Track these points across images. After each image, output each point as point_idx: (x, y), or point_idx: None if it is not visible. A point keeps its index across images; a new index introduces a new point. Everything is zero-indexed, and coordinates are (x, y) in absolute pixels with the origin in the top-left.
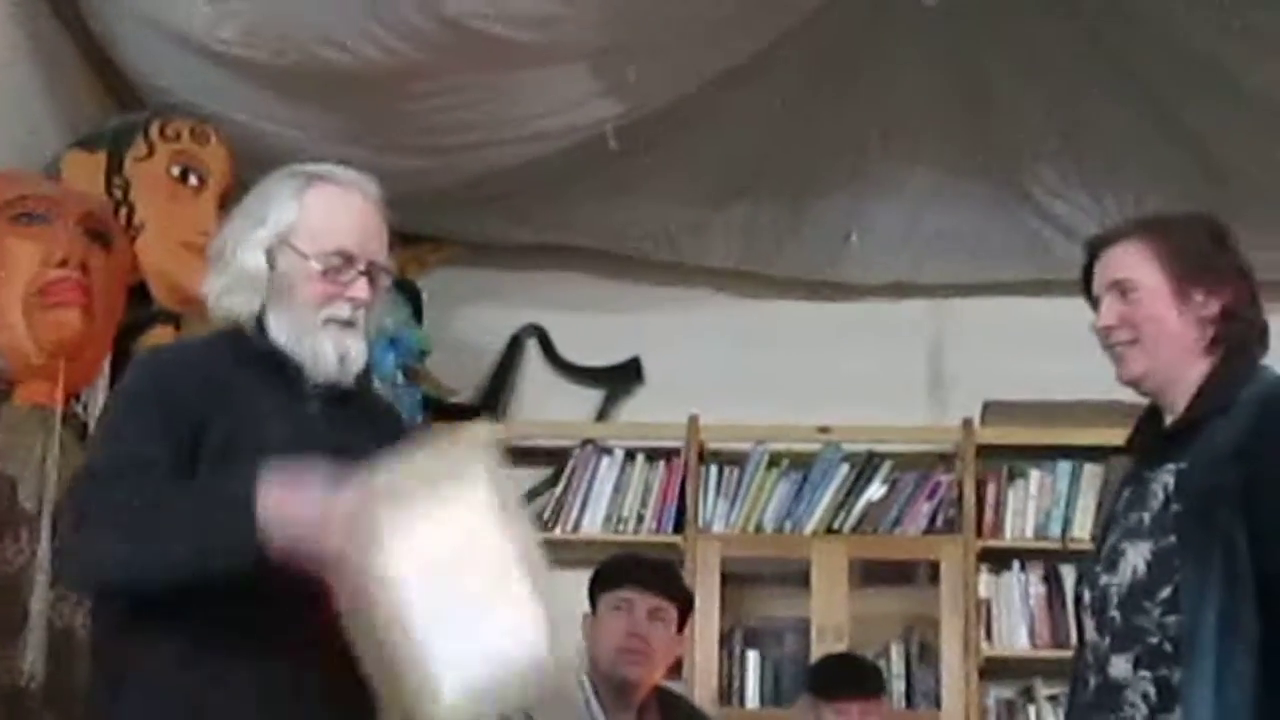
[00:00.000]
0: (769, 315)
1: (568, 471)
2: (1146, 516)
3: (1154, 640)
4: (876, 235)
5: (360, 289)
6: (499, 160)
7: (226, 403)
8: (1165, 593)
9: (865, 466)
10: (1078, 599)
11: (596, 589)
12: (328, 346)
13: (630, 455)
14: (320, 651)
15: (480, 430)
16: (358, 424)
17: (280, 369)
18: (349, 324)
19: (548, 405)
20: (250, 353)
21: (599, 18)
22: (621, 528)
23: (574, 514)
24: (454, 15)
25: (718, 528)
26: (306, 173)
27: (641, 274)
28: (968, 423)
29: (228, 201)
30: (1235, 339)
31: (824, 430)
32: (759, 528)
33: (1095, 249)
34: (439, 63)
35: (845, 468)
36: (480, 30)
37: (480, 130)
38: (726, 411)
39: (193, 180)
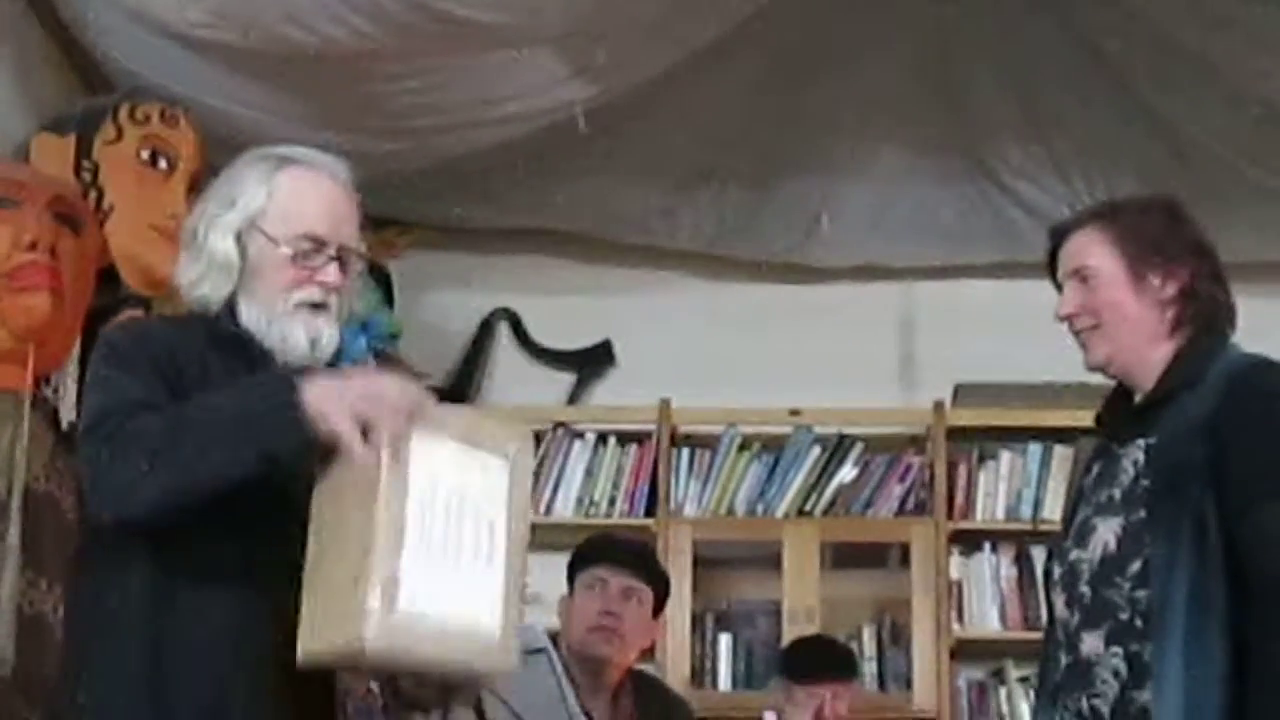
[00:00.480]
0: (740, 298)
1: (540, 455)
2: (1117, 492)
3: (1124, 616)
4: (846, 218)
5: (330, 274)
6: (468, 143)
7: (200, 382)
8: (1135, 567)
9: (836, 449)
10: (1047, 574)
11: (573, 569)
12: (298, 331)
13: (602, 438)
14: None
15: (525, 430)
16: None
17: (249, 353)
18: (320, 307)
19: (519, 389)
20: (221, 336)
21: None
22: (593, 511)
23: (546, 497)
24: None
25: (689, 511)
26: (276, 155)
27: (612, 257)
28: (938, 405)
29: (197, 185)
30: (1199, 318)
31: (795, 413)
32: (730, 510)
33: (1057, 237)
34: (407, 45)
35: (816, 450)
36: (448, 12)
37: (449, 113)
38: (697, 394)
39: (162, 164)
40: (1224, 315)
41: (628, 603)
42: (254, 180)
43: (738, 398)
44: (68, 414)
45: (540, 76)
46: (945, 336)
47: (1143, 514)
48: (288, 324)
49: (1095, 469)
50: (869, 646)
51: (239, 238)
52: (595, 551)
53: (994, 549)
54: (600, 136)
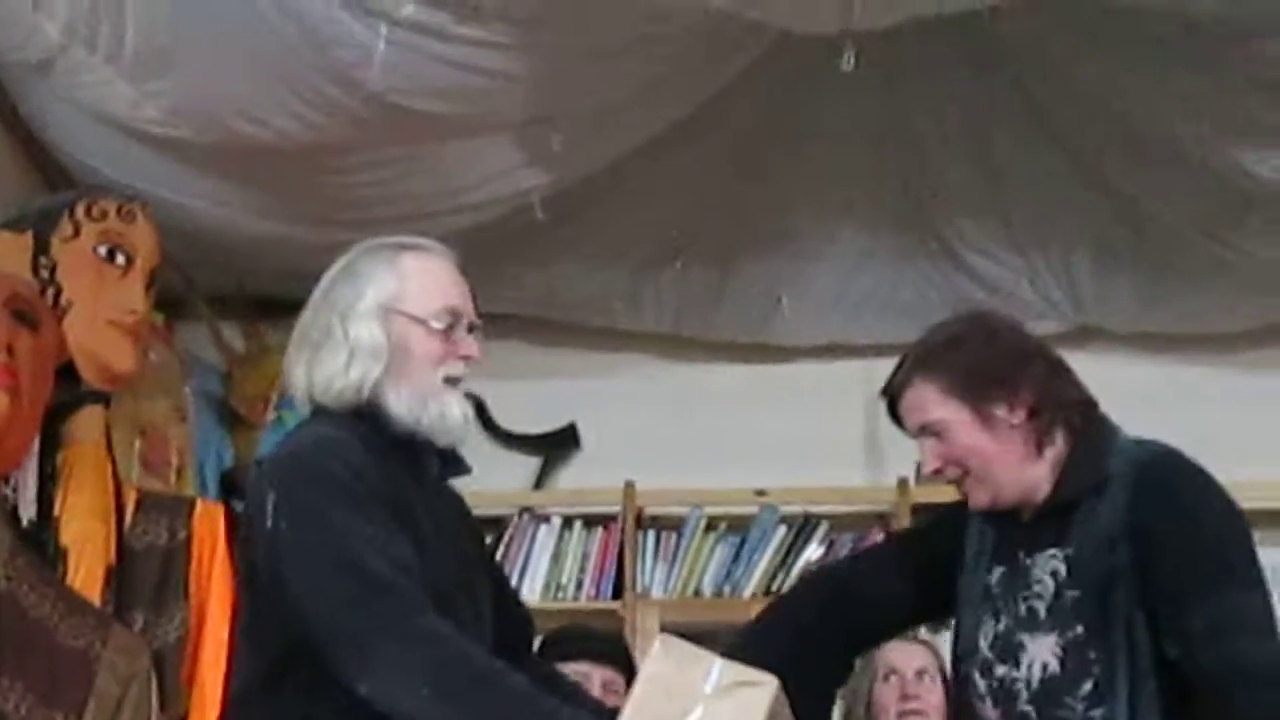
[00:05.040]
0: (703, 379)
1: (505, 540)
2: (1040, 606)
3: None
4: (807, 297)
5: (472, 346)
6: (428, 231)
7: (389, 498)
8: (1087, 687)
9: (802, 528)
10: (961, 677)
11: (548, 660)
12: (454, 406)
13: (568, 522)
14: None
15: (770, 685)
16: (456, 508)
17: (404, 451)
18: (459, 381)
19: (485, 474)
20: (377, 439)
21: (522, 90)
22: (560, 595)
23: (513, 583)
24: (376, 90)
25: (656, 593)
26: (389, 244)
27: (575, 340)
28: (903, 482)
29: (154, 280)
30: (1059, 424)
31: (760, 493)
32: (698, 592)
33: (890, 396)
34: (362, 137)
35: (783, 529)
36: (402, 105)
37: (407, 202)
38: (662, 476)
39: (120, 259)
40: (1080, 408)
41: (608, 696)
42: (380, 269)
43: (702, 478)
44: (26, 511)
45: (498, 164)
46: None
47: (1080, 630)
48: (444, 400)
49: (996, 574)
50: None
51: (382, 324)
52: (574, 645)
53: None
54: (561, 221)
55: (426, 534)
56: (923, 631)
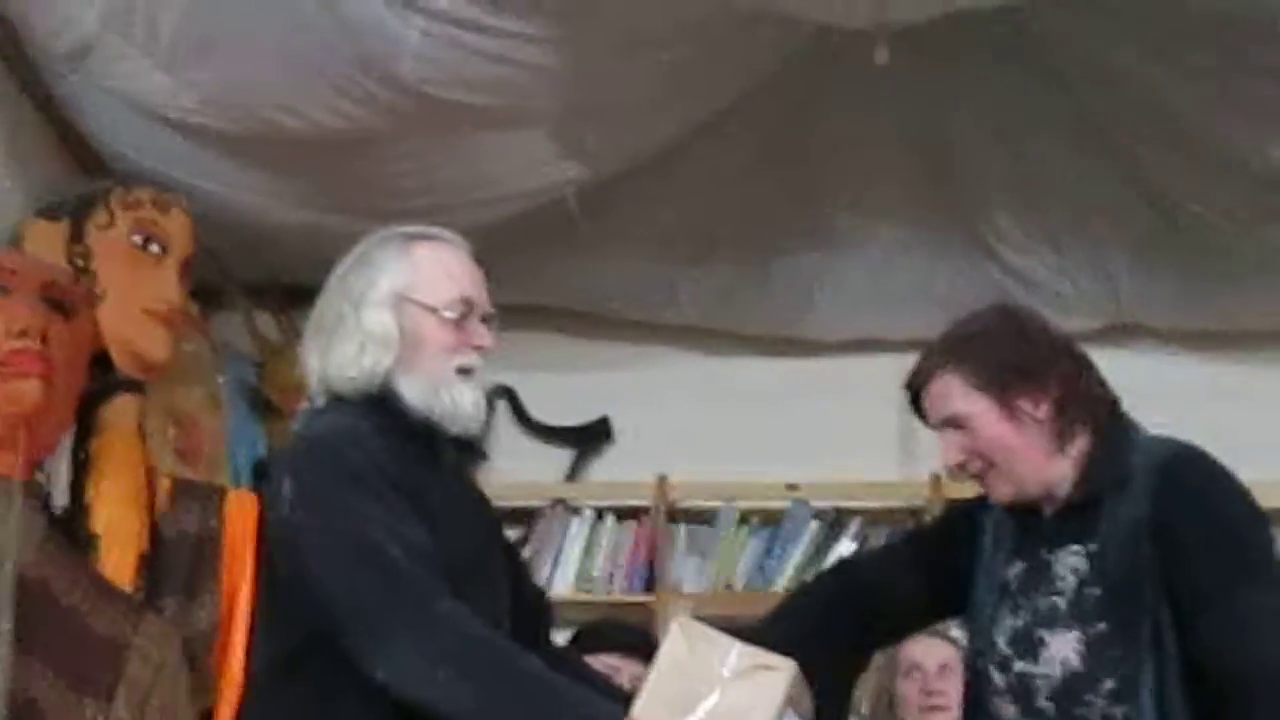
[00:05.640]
0: (737, 373)
1: (538, 532)
2: (1061, 602)
3: None
4: (842, 291)
5: (485, 336)
6: (463, 222)
7: (402, 482)
8: (1109, 684)
9: (835, 523)
10: (977, 672)
11: (579, 652)
12: (467, 396)
13: (600, 515)
14: None
15: (788, 669)
16: (473, 495)
17: (419, 438)
18: (472, 372)
19: (518, 465)
20: (391, 426)
21: (556, 83)
22: (592, 588)
23: (544, 574)
24: (412, 82)
25: (688, 586)
26: (403, 234)
27: (609, 333)
28: (936, 477)
29: (190, 269)
30: (1083, 421)
31: (793, 487)
32: (729, 585)
33: (914, 388)
34: (398, 128)
35: (815, 524)
36: (438, 96)
37: (443, 193)
38: (695, 469)
39: (154, 248)
40: (1105, 408)
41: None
42: (393, 258)
43: (735, 472)
44: (60, 499)
45: (533, 157)
46: None
47: (1103, 627)
48: (456, 390)
49: (1016, 569)
50: None
51: (395, 313)
52: (606, 639)
53: None
54: (596, 214)
55: (442, 520)
56: (953, 629)
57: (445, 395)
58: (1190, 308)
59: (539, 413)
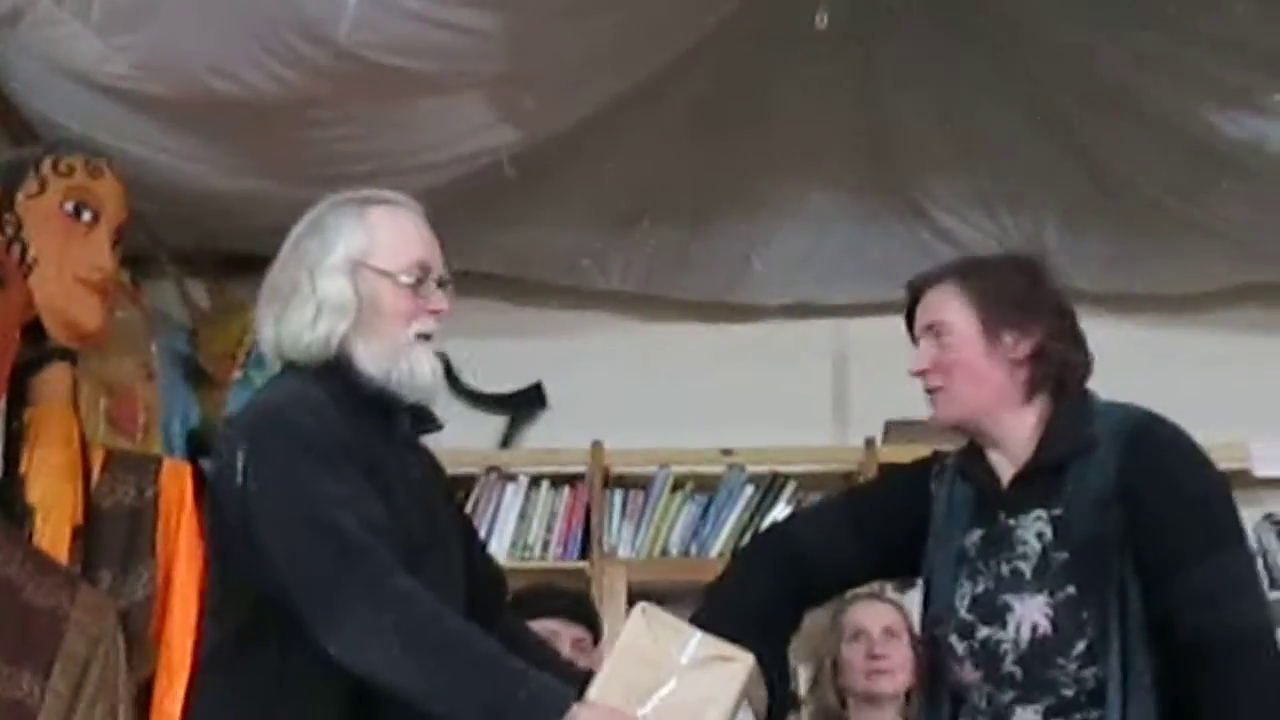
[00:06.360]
0: (671, 338)
1: (473, 500)
2: (1025, 566)
3: (1068, 692)
4: (776, 256)
5: (441, 301)
6: (396, 188)
7: (357, 455)
8: (1080, 647)
9: (770, 488)
10: (934, 640)
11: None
12: (424, 363)
13: (535, 481)
14: None
15: (746, 662)
16: (427, 465)
17: (374, 407)
18: (429, 338)
19: (451, 432)
20: (345, 394)
21: (494, 47)
22: (528, 554)
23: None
24: (347, 46)
25: (624, 552)
26: (358, 199)
27: (542, 299)
28: (870, 442)
29: (122, 237)
30: (1049, 380)
31: (727, 453)
32: (665, 551)
33: (915, 292)
34: (333, 93)
35: (750, 489)
36: (374, 60)
37: (378, 159)
38: (630, 436)
39: (86, 216)
40: (1075, 378)
41: (579, 654)
42: (348, 223)
43: (670, 438)
44: None
45: (468, 122)
46: (876, 373)
47: (1071, 590)
48: (414, 356)
49: (974, 536)
50: (804, 687)
51: (351, 279)
52: (544, 604)
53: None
54: (529, 180)
55: (397, 491)
56: (889, 590)
57: (404, 362)
58: (1120, 271)
59: (472, 379)
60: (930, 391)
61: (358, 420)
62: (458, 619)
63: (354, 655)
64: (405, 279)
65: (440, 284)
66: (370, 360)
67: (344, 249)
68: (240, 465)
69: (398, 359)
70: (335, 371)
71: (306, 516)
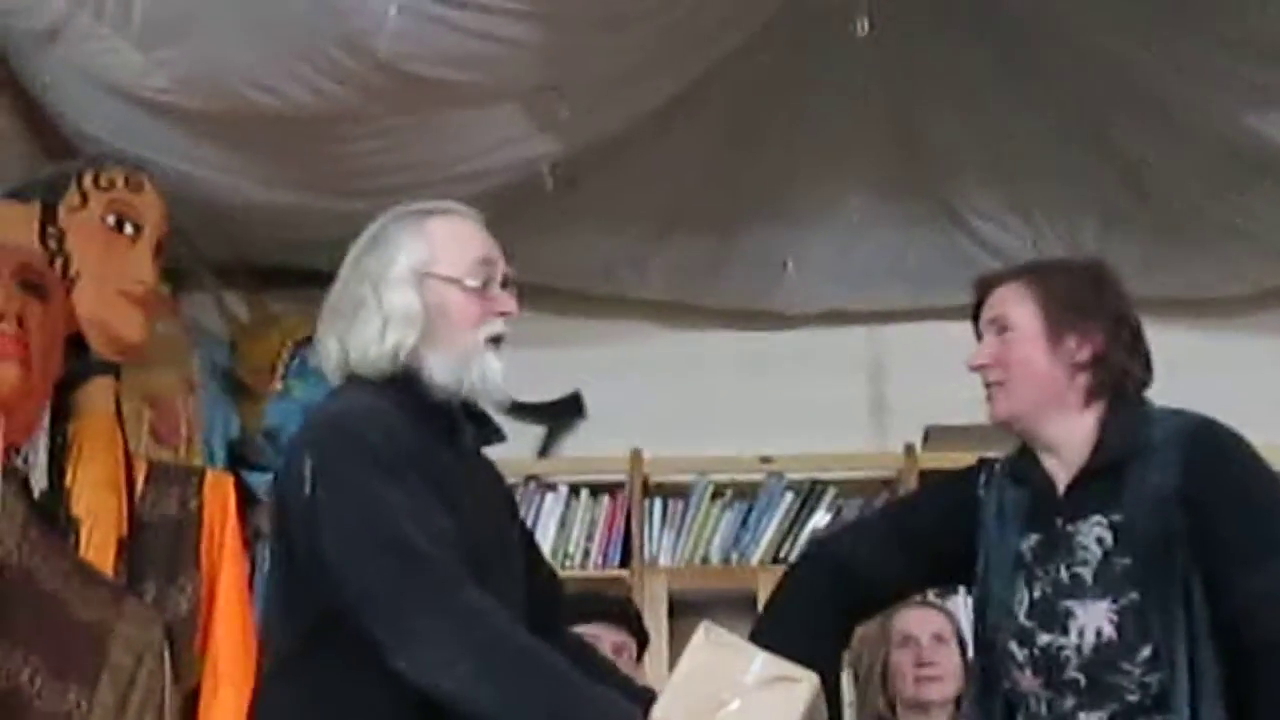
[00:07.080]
0: (708, 346)
1: None
2: (1086, 572)
3: (1133, 698)
4: (811, 264)
5: (509, 301)
6: (435, 200)
7: (426, 467)
8: (1145, 653)
9: (809, 495)
10: (991, 645)
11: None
12: (495, 367)
13: (574, 490)
14: None
15: (811, 682)
16: (491, 474)
17: (439, 417)
18: (500, 341)
19: None
20: (410, 404)
21: (533, 58)
22: (568, 563)
23: None
24: (386, 58)
25: (664, 560)
26: (414, 211)
27: (580, 308)
28: (909, 448)
29: (163, 250)
30: (1108, 387)
31: (766, 460)
32: (705, 559)
33: (984, 288)
34: (372, 105)
35: (789, 497)
36: (412, 72)
37: (415, 170)
38: (668, 444)
39: (128, 229)
40: (1134, 386)
41: (620, 659)
42: (408, 235)
43: (708, 446)
44: (39, 483)
45: (505, 133)
46: (914, 379)
47: (1135, 596)
48: (485, 362)
49: (1031, 541)
50: (848, 691)
51: (417, 289)
52: (587, 610)
53: (969, 590)
54: (566, 189)
55: (463, 502)
56: (932, 596)
57: (475, 367)
58: (1157, 275)
59: (510, 389)
60: (989, 386)
61: (423, 431)
62: (526, 634)
63: (422, 671)
64: (471, 282)
65: (504, 284)
66: (442, 369)
67: (406, 260)
68: (307, 476)
69: (469, 366)
70: (400, 383)
71: (373, 530)
